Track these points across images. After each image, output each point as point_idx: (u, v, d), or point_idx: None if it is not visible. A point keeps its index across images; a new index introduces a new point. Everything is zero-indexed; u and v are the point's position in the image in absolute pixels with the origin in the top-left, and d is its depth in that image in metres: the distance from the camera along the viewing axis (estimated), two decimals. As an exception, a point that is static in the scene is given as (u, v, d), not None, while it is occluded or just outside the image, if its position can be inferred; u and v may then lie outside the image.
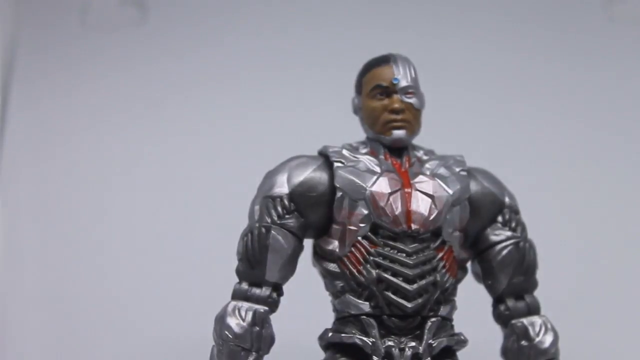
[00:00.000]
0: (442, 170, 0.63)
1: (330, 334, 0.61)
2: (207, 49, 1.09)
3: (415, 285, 0.59)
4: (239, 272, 0.62)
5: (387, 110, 0.62)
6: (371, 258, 0.59)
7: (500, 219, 0.64)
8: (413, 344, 0.58)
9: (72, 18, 1.06)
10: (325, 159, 0.63)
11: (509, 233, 0.64)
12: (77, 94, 1.03)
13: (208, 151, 1.02)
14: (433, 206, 0.60)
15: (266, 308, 0.60)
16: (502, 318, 0.64)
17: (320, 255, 0.63)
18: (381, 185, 0.60)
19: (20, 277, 0.93)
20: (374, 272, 0.59)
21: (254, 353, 0.59)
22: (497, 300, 0.65)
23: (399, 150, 0.63)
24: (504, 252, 0.63)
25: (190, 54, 1.08)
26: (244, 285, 0.61)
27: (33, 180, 0.98)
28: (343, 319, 0.61)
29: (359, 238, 0.60)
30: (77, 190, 0.98)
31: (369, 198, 0.60)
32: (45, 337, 0.92)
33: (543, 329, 0.63)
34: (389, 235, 0.60)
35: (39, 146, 1.00)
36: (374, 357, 0.58)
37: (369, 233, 0.60)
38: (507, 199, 0.65)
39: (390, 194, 0.60)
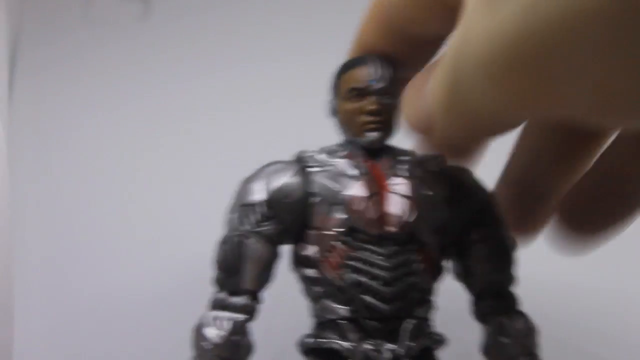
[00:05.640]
0: (418, 171, 0.61)
1: (308, 339, 0.60)
2: (210, 43, 1.08)
3: (393, 288, 0.57)
4: (216, 281, 0.61)
5: (363, 113, 0.60)
6: (349, 262, 0.58)
7: (478, 216, 0.62)
8: (392, 346, 0.57)
9: (75, 12, 1.06)
10: (302, 164, 0.62)
11: (486, 231, 0.62)
12: (80, 88, 1.02)
13: (213, 146, 1.00)
14: (409, 208, 0.58)
15: (245, 316, 0.59)
16: (481, 315, 0.62)
17: (298, 261, 0.61)
18: (357, 189, 0.59)
19: (25, 270, 0.91)
20: (351, 276, 0.57)
21: None
22: (476, 298, 0.63)
23: (376, 151, 0.61)
24: (482, 250, 0.61)
25: (193, 48, 1.08)
26: (222, 294, 0.60)
27: (37, 175, 0.98)
28: (322, 324, 0.60)
29: (336, 243, 0.58)
30: (80, 185, 0.97)
31: (345, 202, 0.58)
32: (48, 340, 0.91)
33: (522, 324, 0.61)
34: (366, 239, 0.58)
35: (42, 140, 1.00)
36: None
37: (346, 237, 0.58)
38: (485, 197, 0.63)
39: (367, 197, 0.58)
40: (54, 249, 0.95)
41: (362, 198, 0.58)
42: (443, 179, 0.61)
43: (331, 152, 0.62)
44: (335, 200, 0.59)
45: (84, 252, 0.94)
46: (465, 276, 0.63)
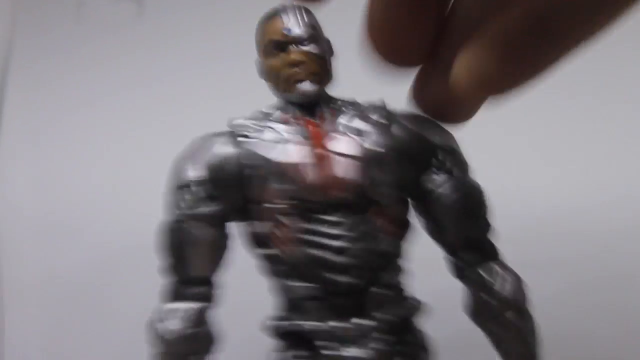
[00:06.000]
0: (357, 123, 0.54)
1: (272, 322, 0.56)
2: (203, 41, 1.08)
3: (346, 257, 0.52)
4: (164, 271, 0.56)
5: (286, 65, 0.54)
6: (297, 236, 0.52)
7: (434, 162, 0.55)
8: (358, 320, 0.52)
9: (68, 12, 1.06)
10: (234, 133, 0.56)
11: (444, 177, 0.54)
12: (73, 88, 1.03)
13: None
14: (351, 167, 0.52)
15: (201, 305, 0.55)
16: (458, 272, 0.55)
17: (250, 240, 0.56)
18: (288, 154, 0.53)
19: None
20: (303, 250, 0.52)
21: (192, 357, 0.54)
22: (451, 254, 0.56)
23: (312, 106, 0.55)
24: (442, 198, 0.54)
25: (186, 46, 1.08)
26: (173, 285, 0.55)
27: (29, 173, 0.98)
28: (284, 304, 0.56)
29: (282, 216, 0.53)
30: (73, 181, 0.97)
31: (276, 171, 0.52)
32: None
33: (499, 274, 0.53)
34: (313, 208, 0.52)
35: (36, 139, 1.00)
36: (317, 341, 0.52)
37: (290, 209, 0.52)
38: (438, 138, 0.55)
39: (300, 162, 0.52)
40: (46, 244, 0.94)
41: (300, 164, 0.52)
42: (386, 128, 0.54)
43: (264, 114, 0.56)
44: (272, 170, 0.52)
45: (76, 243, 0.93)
46: (434, 231, 0.56)
